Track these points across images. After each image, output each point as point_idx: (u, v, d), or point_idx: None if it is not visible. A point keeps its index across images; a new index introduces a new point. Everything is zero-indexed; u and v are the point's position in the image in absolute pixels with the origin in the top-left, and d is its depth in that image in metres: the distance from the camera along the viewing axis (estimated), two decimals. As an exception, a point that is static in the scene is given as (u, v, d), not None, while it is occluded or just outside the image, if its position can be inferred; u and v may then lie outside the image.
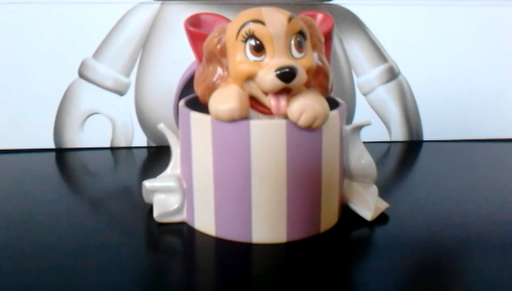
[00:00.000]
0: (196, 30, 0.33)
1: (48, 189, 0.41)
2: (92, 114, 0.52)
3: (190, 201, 0.34)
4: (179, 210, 0.34)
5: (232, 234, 0.32)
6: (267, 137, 0.30)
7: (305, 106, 0.30)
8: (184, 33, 0.33)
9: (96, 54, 0.51)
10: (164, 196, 0.35)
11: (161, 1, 0.51)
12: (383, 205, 0.36)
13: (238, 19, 0.30)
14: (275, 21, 0.30)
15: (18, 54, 0.50)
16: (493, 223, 0.35)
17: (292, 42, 0.30)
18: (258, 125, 0.30)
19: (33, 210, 0.37)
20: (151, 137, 0.53)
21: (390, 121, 0.54)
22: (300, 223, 0.32)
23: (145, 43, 0.51)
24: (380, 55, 0.53)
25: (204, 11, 0.36)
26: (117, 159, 0.50)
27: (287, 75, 0.29)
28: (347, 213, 0.35)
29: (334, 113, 0.32)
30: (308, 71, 0.30)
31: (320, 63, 0.32)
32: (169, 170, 0.36)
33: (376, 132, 0.54)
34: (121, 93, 0.52)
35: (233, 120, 0.30)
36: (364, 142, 0.34)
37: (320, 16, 0.35)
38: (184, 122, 0.33)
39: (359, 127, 0.34)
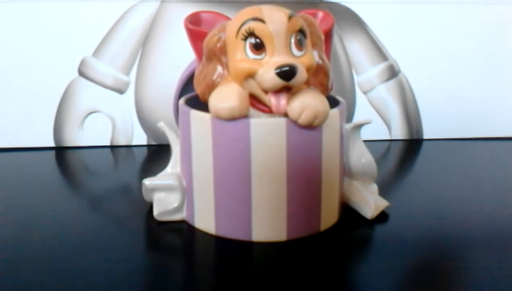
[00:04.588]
0: (196, 28, 0.33)
1: (48, 187, 0.41)
2: (92, 112, 0.52)
3: (190, 199, 0.34)
4: (179, 209, 0.34)
5: (232, 233, 0.32)
6: (267, 136, 0.30)
7: (305, 104, 0.30)
8: (184, 31, 0.33)
9: (96, 53, 0.51)
10: (164, 194, 0.35)
11: (161, -1, 0.51)
12: (383, 204, 0.36)
13: (238, 17, 0.30)
14: (275, 19, 0.29)
15: (18, 52, 0.50)
16: (493, 221, 0.35)
17: (292, 40, 0.30)
18: (258, 124, 0.30)
19: (33, 208, 0.37)
20: (151, 136, 0.53)
21: (390, 119, 0.54)
22: (300, 221, 0.32)
23: (145, 42, 0.51)
24: (380, 53, 0.53)
25: (204, 9, 0.35)
26: (117, 157, 0.50)
27: (287, 73, 0.29)
28: (347, 212, 0.35)
29: (334, 111, 0.32)
30: (308, 69, 0.30)
31: (320, 62, 0.32)
32: (169, 168, 0.36)
33: (376, 130, 0.54)
34: (121, 91, 0.52)
35: (233, 118, 0.30)
36: (364, 141, 0.34)
37: (320, 14, 0.35)
38: (184, 120, 0.33)
39: (359, 126, 0.34)
